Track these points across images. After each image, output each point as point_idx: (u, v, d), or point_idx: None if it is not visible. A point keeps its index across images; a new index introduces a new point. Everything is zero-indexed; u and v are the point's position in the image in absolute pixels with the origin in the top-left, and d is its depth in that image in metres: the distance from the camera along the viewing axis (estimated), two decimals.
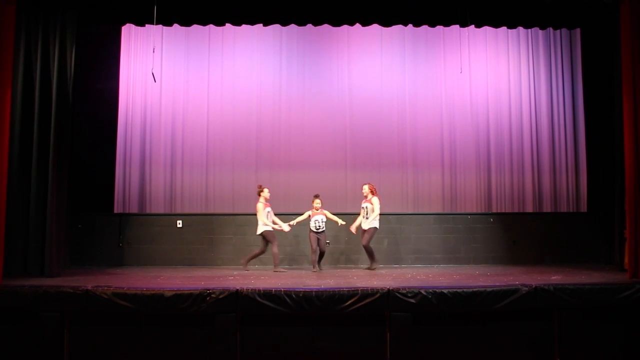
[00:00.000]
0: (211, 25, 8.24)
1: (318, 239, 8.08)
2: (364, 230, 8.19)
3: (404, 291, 5.80)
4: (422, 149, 9.33)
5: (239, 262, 8.86)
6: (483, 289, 5.89)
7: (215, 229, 9.04)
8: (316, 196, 8.21)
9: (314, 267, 8.06)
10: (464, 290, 5.88)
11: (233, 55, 9.34)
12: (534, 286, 5.93)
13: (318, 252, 8.07)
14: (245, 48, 9.32)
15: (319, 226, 8.09)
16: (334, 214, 8.34)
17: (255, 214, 8.11)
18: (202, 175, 9.18)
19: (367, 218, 8.18)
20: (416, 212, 9.19)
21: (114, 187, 9.02)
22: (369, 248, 8.15)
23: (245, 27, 8.45)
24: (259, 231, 8.08)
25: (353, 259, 8.98)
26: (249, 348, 5.77)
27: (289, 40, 9.33)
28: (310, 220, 8.15)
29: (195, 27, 8.27)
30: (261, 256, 8.64)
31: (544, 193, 9.34)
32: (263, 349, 5.78)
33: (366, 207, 8.21)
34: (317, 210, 8.16)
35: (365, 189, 8.29)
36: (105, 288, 5.81)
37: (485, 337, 5.90)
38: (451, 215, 9.22)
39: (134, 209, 9.05)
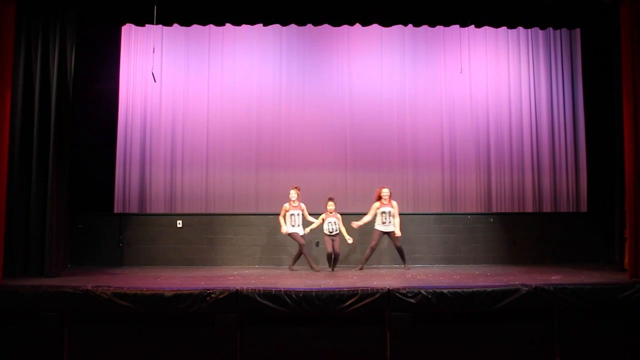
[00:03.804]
0: (211, 25, 8.24)
1: (332, 241, 8.01)
2: (389, 233, 8.16)
3: (404, 291, 5.81)
4: (422, 149, 9.32)
5: (239, 262, 8.88)
6: (483, 289, 5.89)
7: (215, 229, 9.03)
8: (330, 199, 8.16)
9: (329, 266, 8.06)
10: (464, 290, 5.88)
11: (233, 55, 9.33)
12: (534, 286, 5.93)
13: (333, 256, 7.99)
14: (245, 48, 9.32)
15: (332, 229, 8.02)
16: None
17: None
18: (202, 175, 9.18)
19: (390, 222, 8.14)
20: (416, 212, 9.19)
21: (114, 187, 9.02)
22: (402, 249, 8.25)
23: (245, 27, 8.45)
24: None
25: (353, 260, 8.98)
26: (249, 348, 5.77)
27: (289, 40, 9.33)
28: (324, 223, 8.10)
29: (195, 27, 8.27)
30: (262, 256, 8.70)
31: (544, 193, 9.33)
32: (263, 349, 5.78)
33: (390, 213, 8.17)
34: (331, 213, 8.09)
35: (387, 192, 8.22)
36: (105, 288, 5.81)
37: (485, 337, 5.90)
38: (451, 215, 9.21)
39: (134, 209, 9.05)
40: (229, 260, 8.92)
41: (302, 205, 8.18)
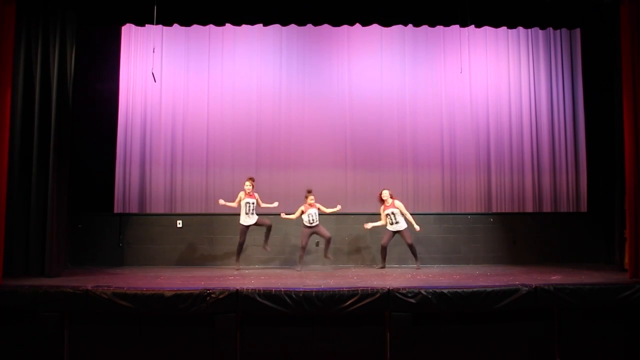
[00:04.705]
0: (211, 25, 8.25)
1: (313, 233, 8.15)
2: (399, 232, 8.27)
3: (404, 291, 5.81)
4: (422, 149, 9.33)
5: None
6: (483, 289, 5.90)
7: (215, 229, 9.03)
8: (309, 191, 8.27)
9: (299, 263, 8.16)
10: (464, 290, 5.89)
11: (233, 55, 9.33)
12: (534, 286, 5.94)
13: (305, 250, 8.18)
14: (245, 48, 9.32)
15: (313, 220, 8.11)
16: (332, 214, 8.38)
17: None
18: (202, 175, 9.19)
19: (397, 222, 8.24)
20: (416, 212, 9.15)
21: (114, 187, 9.02)
22: (413, 247, 8.35)
23: (245, 27, 8.46)
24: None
25: (353, 259, 8.98)
26: (249, 348, 5.77)
27: (289, 40, 9.33)
28: (304, 214, 8.15)
29: (195, 27, 8.27)
30: (262, 256, 8.68)
31: (544, 193, 9.33)
32: (263, 349, 5.79)
33: (393, 213, 8.24)
34: (311, 205, 8.18)
35: (386, 194, 8.31)
36: (105, 288, 5.82)
37: (485, 337, 5.91)
38: (451, 215, 9.22)
39: (134, 209, 9.05)
40: (229, 260, 8.92)
41: (256, 195, 8.32)
